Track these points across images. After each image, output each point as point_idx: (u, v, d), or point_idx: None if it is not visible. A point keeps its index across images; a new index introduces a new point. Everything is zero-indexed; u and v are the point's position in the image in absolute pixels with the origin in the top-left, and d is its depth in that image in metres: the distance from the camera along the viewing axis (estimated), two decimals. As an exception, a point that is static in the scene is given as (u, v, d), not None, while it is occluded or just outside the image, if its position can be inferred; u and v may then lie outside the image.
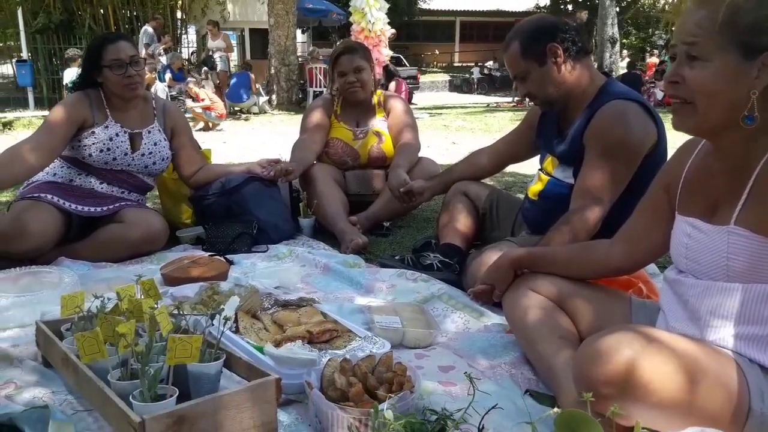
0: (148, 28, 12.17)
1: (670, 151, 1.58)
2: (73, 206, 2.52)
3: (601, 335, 1.12)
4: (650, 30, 22.08)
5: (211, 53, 12.48)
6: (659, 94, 12.21)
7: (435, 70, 25.41)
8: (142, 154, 2.74)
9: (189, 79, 9.95)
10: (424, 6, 25.91)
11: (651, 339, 1.09)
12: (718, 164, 1.24)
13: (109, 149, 2.66)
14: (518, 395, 1.46)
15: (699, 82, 1.14)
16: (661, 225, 1.39)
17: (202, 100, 9.03)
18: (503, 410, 1.22)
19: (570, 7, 24.20)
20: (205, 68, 11.68)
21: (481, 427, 1.08)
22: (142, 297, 1.57)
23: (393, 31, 11.61)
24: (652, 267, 2.13)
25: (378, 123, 3.20)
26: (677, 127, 1.21)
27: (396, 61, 15.06)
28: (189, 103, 9.12)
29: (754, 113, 1.12)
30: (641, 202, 1.49)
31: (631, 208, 1.54)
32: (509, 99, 15.58)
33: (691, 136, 1.31)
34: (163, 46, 12.03)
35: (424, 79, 20.00)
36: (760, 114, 1.12)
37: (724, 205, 1.19)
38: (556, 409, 0.92)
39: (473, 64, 21.16)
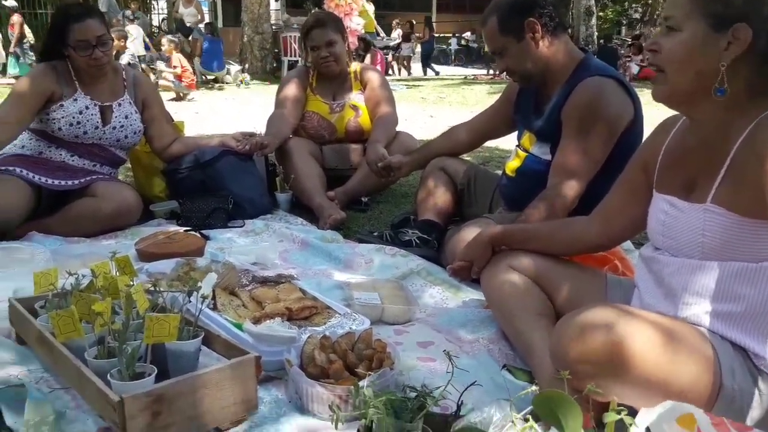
0: None
1: (647, 129, 1.60)
2: (43, 179, 2.45)
3: (578, 313, 1.14)
4: (626, 3, 22.09)
5: (182, 21, 12.15)
6: (635, 69, 12.29)
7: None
8: (114, 128, 2.67)
9: (164, 40, 9.69)
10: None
11: (627, 318, 1.11)
12: (696, 141, 1.25)
13: (79, 123, 2.59)
14: (496, 370, 1.49)
15: (669, 50, 1.18)
16: (638, 202, 1.41)
17: (175, 67, 8.83)
18: (482, 386, 1.24)
19: (547, -21, 23.96)
20: (176, 36, 11.39)
21: (460, 403, 1.10)
22: (117, 274, 1.55)
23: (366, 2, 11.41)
24: (627, 244, 2.17)
25: (355, 96, 3.17)
26: (654, 96, 1.25)
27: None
28: (160, 65, 8.91)
29: (724, 85, 1.14)
30: (618, 179, 1.50)
31: (608, 185, 1.55)
32: (485, 72, 15.52)
33: (671, 113, 1.32)
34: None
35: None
36: (730, 87, 1.14)
37: (701, 184, 1.21)
38: (534, 387, 0.94)
39: (450, 35, 20.94)
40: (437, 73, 15.51)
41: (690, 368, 1.09)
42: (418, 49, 16.77)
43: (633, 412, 0.89)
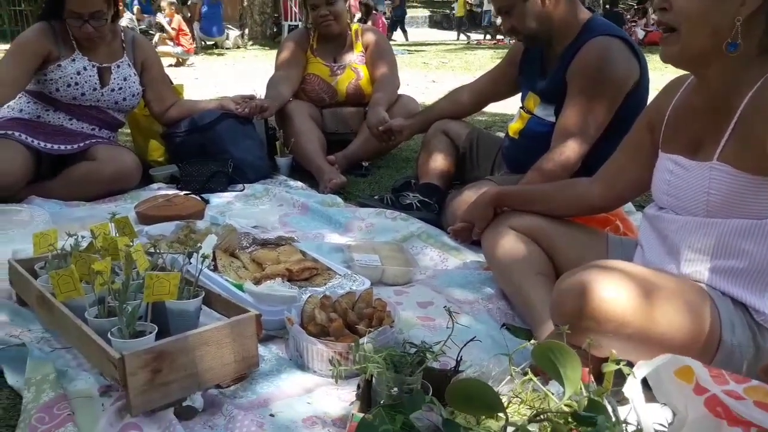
0: None
1: (652, 92, 1.57)
2: (42, 144, 2.44)
3: (578, 270, 1.14)
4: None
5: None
6: (641, 33, 12.10)
7: (414, 4, 24.71)
8: (112, 90, 2.64)
9: (164, 3, 9.57)
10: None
11: (623, 273, 1.11)
12: (703, 101, 1.23)
13: (77, 84, 2.55)
14: (495, 329, 1.49)
15: (684, 6, 1.13)
16: (643, 163, 1.39)
17: (174, 29, 8.74)
18: (481, 343, 1.24)
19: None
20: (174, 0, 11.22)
21: (459, 358, 1.10)
22: (117, 235, 1.54)
23: None
24: (628, 206, 2.16)
25: (356, 58, 3.12)
26: (664, 57, 1.20)
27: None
28: (161, 21, 8.81)
29: (738, 40, 1.11)
30: (624, 140, 1.48)
31: (612, 146, 1.53)
32: (488, 36, 15.31)
33: (678, 72, 1.29)
34: None
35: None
36: (743, 44, 1.11)
37: (707, 142, 1.19)
38: (532, 341, 0.94)
39: (454, -1, 20.62)
40: (407, 39, 15.27)
41: (686, 322, 1.09)
42: (421, 12, 16.54)
43: (632, 366, 0.89)
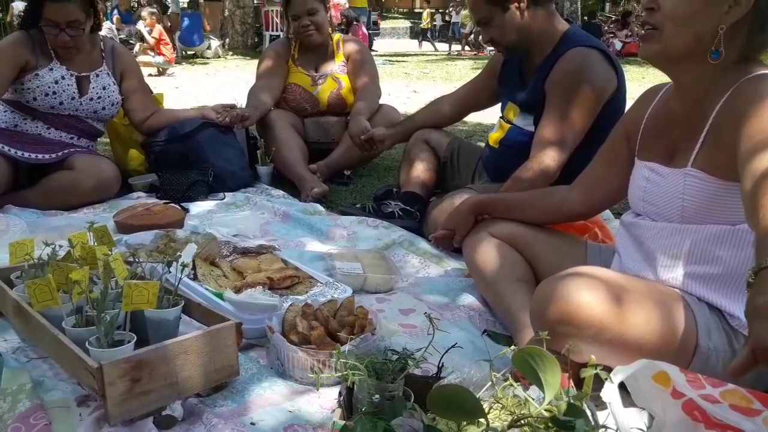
0: None
1: (630, 102, 1.60)
2: (20, 153, 2.41)
3: (557, 277, 1.15)
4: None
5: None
6: (618, 45, 12.31)
7: (395, 15, 24.88)
8: (91, 99, 2.62)
9: (144, 12, 9.53)
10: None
11: (602, 280, 1.12)
12: (678, 108, 1.26)
13: (54, 93, 2.53)
14: (477, 336, 1.50)
15: (672, 8, 1.15)
16: (620, 171, 1.41)
17: (154, 38, 8.70)
18: (462, 349, 1.24)
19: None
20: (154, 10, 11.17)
21: (441, 365, 1.11)
22: (95, 244, 1.52)
23: None
24: (607, 213, 2.18)
25: (337, 68, 3.13)
26: (643, 53, 1.22)
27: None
28: (142, 30, 8.76)
29: (720, 48, 1.14)
30: (601, 148, 1.51)
31: (590, 155, 1.55)
32: (467, 48, 15.45)
33: (655, 82, 1.32)
34: None
35: (384, 25, 19.60)
36: (724, 52, 1.13)
37: (682, 149, 1.22)
38: (513, 347, 0.94)
39: (434, 10, 20.81)
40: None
41: (663, 328, 1.11)
42: (402, 23, 16.69)
43: (610, 371, 0.90)
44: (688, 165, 1.18)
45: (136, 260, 1.46)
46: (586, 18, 14.49)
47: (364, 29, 12.45)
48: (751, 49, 1.16)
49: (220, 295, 1.52)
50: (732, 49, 1.15)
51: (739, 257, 1.13)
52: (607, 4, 22.62)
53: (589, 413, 0.80)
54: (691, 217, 1.18)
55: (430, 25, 16.98)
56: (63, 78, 2.55)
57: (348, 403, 1.06)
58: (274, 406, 1.20)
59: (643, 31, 1.21)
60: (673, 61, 1.21)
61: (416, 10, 25.64)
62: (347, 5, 11.41)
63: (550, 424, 0.80)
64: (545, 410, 0.82)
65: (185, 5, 11.93)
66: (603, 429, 0.81)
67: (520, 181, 1.94)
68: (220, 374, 1.22)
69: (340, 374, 1.02)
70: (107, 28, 9.24)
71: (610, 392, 0.88)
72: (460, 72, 9.20)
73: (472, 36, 15.47)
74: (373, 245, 2.09)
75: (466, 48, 15.79)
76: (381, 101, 3.12)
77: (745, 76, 1.14)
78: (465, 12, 16.15)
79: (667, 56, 1.20)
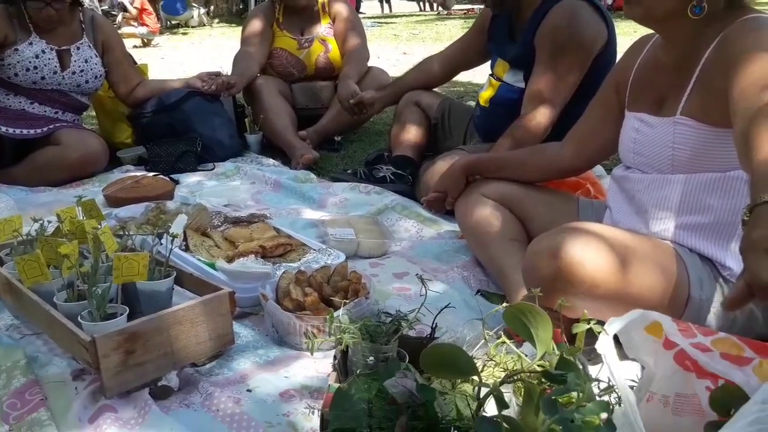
0: None
1: (620, 55, 1.57)
2: (4, 129, 2.37)
3: (549, 234, 1.15)
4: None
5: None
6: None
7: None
8: (73, 72, 2.57)
9: None
10: None
11: (593, 234, 1.12)
12: (667, 58, 1.24)
13: (36, 68, 2.48)
14: (470, 295, 1.50)
15: None
16: (611, 123, 1.40)
17: (137, 8, 8.52)
18: (456, 309, 1.24)
19: None
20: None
21: (434, 325, 1.11)
22: (84, 218, 1.51)
23: None
24: (599, 169, 2.17)
25: (323, 30, 3.07)
26: (628, 13, 1.20)
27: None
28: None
29: (702, 3, 1.11)
30: (592, 102, 1.49)
31: (581, 109, 1.54)
32: (461, 7, 15.12)
33: (646, 33, 1.30)
34: None
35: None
36: (708, 4, 1.12)
37: (671, 98, 1.20)
38: (505, 304, 0.94)
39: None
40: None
41: (654, 280, 1.11)
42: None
43: (603, 325, 0.90)
44: (677, 113, 1.17)
45: (126, 233, 1.45)
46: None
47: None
48: None
49: (212, 265, 1.52)
50: (715, 3, 1.13)
51: (730, 205, 1.13)
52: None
53: (580, 366, 0.80)
54: (681, 166, 1.17)
55: None
56: (43, 52, 2.49)
57: (343, 367, 1.06)
58: (270, 373, 1.21)
59: None
60: (658, 20, 1.19)
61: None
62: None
63: (542, 379, 0.80)
64: (537, 365, 0.82)
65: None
66: (595, 382, 0.81)
67: (512, 138, 1.93)
68: (215, 343, 1.22)
69: (334, 338, 1.02)
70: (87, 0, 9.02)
71: (604, 344, 0.88)
72: (450, 32, 9.05)
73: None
74: (366, 211, 2.08)
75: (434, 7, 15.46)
76: (370, 64, 3.07)
77: (732, 22, 1.12)
78: None
79: (651, 17, 1.19)
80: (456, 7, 14.88)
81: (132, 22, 9.03)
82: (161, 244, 1.39)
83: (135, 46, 8.11)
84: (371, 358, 0.99)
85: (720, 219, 1.14)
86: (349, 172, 2.49)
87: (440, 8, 14.61)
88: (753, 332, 1.12)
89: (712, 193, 1.14)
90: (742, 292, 0.71)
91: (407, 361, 0.99)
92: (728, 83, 1.02)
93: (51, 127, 2.47)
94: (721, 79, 1.07)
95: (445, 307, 1.12)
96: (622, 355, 1.06)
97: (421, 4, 15.84)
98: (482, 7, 2.22)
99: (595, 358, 0.93)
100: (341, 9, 3.09)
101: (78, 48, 2.59)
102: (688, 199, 1.16)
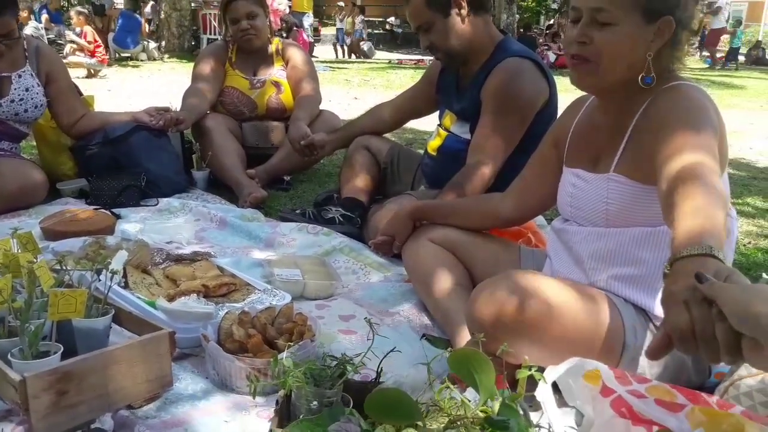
0: None
1: (560, 111, 1.66)
2: (-65, 156, 2.26)
3: (491, 280, 1.19)
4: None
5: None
6: (552, 57, 12.71)
7: (331, 23, 24.83)
8: (12, 101, 2.49)
9: (72, 12, 9.15)
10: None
11: (534, 282, 1.17)
12: (602, 119, 1.32)
13: (-28, 93, 2.40)
14: (416, 340, 1.51)
15: (607, 44, 1.19)
16: (550, 178, 1.47)
17: (89, 41, 8.37)
18: (401, 354, 1.25)
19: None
20: (85, 8, 10.76)
21: (380, 370, 1.11)
22: (19, 251, 1.45)
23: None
24: (540, 219, 2.25)
25: (276, 72, 3.10)
26: (577, 83, 1.27)
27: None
28: (70, 36, 8.41)
29: (651, 74, 1.20)
30: (532, 157, 1.56)
31: (523, 162, 1.60)
32: (412, 57, 15.59)
33: (584, 93, 1.38)
34: None
35: (325, 31, 19.52)
36: (647, 74, 1.20)
37: (605, 156, 1.28)
38: (449, 349, 0.96)
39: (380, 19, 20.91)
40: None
41: (592, 330, 1.15)
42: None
43: (543, 371, 0.93)
44: (610, 170, 1.24)
45: (64, 268, 1.39)
46: (522, 30, 14.91)
47: (305, 35, 12.39)
48: (667, 64, 1.23)
49: (152, 304, 1.48)
50: (655, 72, 1.21)
51: (660, 257, 1.20)
52: (542, 17, 23.36)
53: (521, 413, 0.82)
54: (615, 221, 1.23)
55: (352, 30, 16.88)
56: (-19, 78, 2.42)
57: (286, 411, 1.04)
58: (209, 417, 1.18)
59: (574, 61, 1.24)
60: (609, 89, 1.26)
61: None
62: (288, 11, 11.31)
63: (485, 425, 0.82)
64: (480, 411, 0.83)
65: (121, 4, 11.53)
66: (536, 428, 0.83)
67: (457, 187, 1.98)
68: (153, 385, 1.18)
69: (277, 382, 1.01)
70: (33, 27, 8.82)
71: (543, 392, 0.90)
72: (401, 80, 9.28)
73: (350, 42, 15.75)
74: (314, 252, 2.08)
75: (353, 55, 15.94)
76: (322, 107, 3.11)
77: (660, 88, 1.21)
78: (349, 19, 16.32)
79: (603, 87, 1.26)
80: (407, 57, 15.32)
81: (78, 53, 8.85)
82: (100, 280, 1.35)
83: (79, 77, 7.93)
84: (315, 402, 0.98)
85: (651, 271, 1.21)
86: (297, 211, 2.48)
87: (362, 57, 15.06)
88: (683, 380, 1.18)
89: (643, 246, 1.21)
90: (663, 341, 0.75)
91: (351, 405, 0.99)
92: (655, 147, 1.10)
93: (-14, 155, 2.38)
94: (649, 141, 1.15)
95: (391, 351, 1.12)
96: (562, 402, 1.09)
97: (338, 51, 16.27)
98: (432, 58, 2.30)
99: (537, 404, 0.95)
100: (295, 53, 3.14)
101: (19, 76, 2.53)
102: (621, 252, 1.23)
